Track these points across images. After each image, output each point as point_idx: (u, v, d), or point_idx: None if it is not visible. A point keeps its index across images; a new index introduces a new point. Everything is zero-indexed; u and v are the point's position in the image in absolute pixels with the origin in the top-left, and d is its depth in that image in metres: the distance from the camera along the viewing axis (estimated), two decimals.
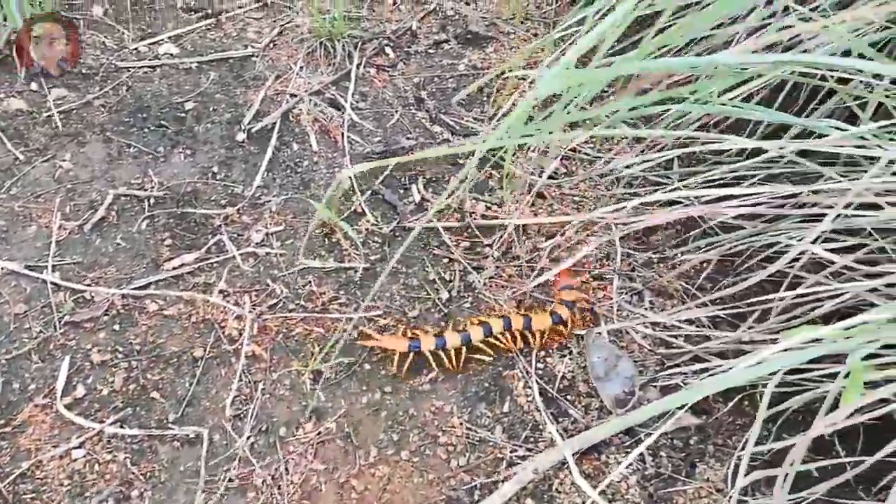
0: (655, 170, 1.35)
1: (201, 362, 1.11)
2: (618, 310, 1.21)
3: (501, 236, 1.30)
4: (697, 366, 1.12)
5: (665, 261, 1.26)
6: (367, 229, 1.30)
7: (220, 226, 1.28)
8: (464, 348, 1.10)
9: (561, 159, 1.45)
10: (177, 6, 1.73)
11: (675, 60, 0.59)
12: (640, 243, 1.30)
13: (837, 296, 0.93)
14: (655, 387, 1.11)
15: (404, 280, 1.23)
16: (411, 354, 1.09)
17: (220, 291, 1.18)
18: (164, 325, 1.15)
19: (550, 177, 1.41)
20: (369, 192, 1.36)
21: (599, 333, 1.16)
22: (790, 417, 1.03)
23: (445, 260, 1.27)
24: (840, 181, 0.92)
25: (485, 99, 1.56)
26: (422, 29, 1.74)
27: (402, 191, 1.38)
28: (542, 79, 0.60)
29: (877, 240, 0.95)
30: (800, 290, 0.94)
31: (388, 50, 1.66)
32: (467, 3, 1.81)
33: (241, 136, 1.43)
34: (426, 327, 1.15)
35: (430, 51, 1.68)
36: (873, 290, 0.97)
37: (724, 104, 1.09)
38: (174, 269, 1.22)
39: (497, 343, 1.12)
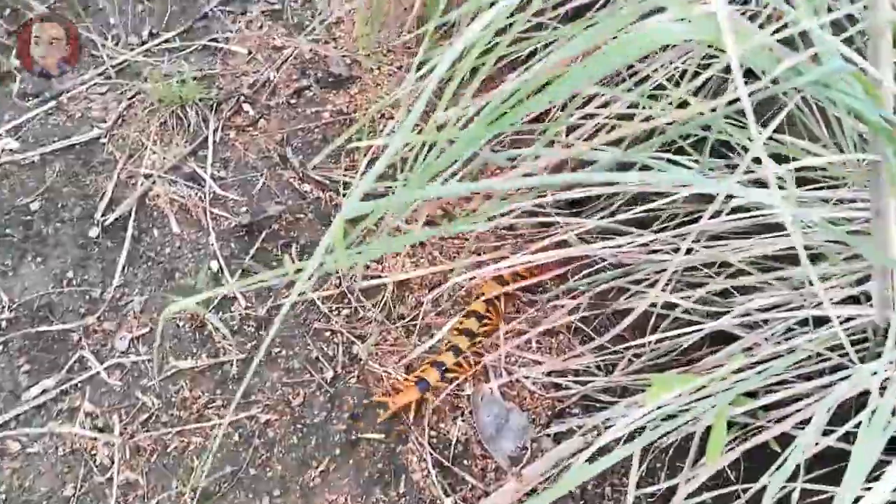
0: (539, 212, 1.33)
1: (73, 501, 1.03)
2: (506, 357, 1.19)
3: (383, 296, 1.26)
4: (589, 403, 1.11)
5: (552, 300, 1.24)
6: (240, 314, 1.24)
7: (79, 339, 1.20)
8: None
9: (439, 199, 1.41)
10: (12, 94, 1.61)
11: (447, 188, 0.55)
12: (526, 278, 1.28)
13: (699, 332, 0.93)
14: (549, 436, 1.09)
15: (285, 364, 1.18)
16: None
17: (87, 414, 1.11)
18: (31, 465, 1.07)
19: (429, 223, 1.37)
20: (240, 271, 1.30)
21: (490, 389, 1.14)
22: (682, 445, 1.04)
23: (327, 333, 1.22)
24: (683, 222, 0.91)
25: (354, 147, 1.51)
26: (280, 78, 1.66)
27: (275, 263, 1.32)
28: (347, 202, 0.56)
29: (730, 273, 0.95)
30: (657, 336, 0.93)
31: (245, 107, 1.59)
32: (326, 43, 1.75)
33: (94, 232, 1.34)
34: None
35: (292, 101, 1.61)
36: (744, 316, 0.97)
37: (570, 144, 1.07)
38: (35, 398, 1.13)
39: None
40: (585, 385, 1.12)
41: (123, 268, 1.30)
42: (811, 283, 0.87)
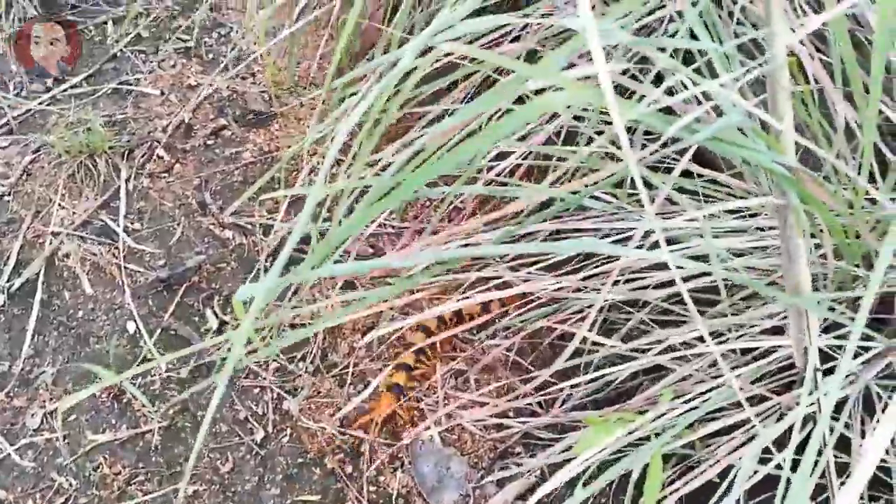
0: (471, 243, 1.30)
1: None
2: (444, 398, 1.15)
3: (313, 345, 1.21)
4: (531, 441, 1.09)
5: (490, 337, 1.22)
6: (161, 378, 1.17)
7: None
8: None
9: (368, 238, 1.38)
10: None
11: (339, 267, 0.52)
12: (459, 319, 1.25)
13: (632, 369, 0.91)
14: (492, 481, 1.06)
15: (212, 428, 1.12)
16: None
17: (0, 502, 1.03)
18: None
19: (358, 258, 1.33)
20: (159, 330, 1.23)
21: (430, 436, 1.10)
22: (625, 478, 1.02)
23: (256, 390, 1.17)
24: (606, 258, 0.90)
25: (277, 186, 1.46)
26: (196, 118, 1.60)
27: (196, 318, 1.25)
28: (240, 291, 0.52)
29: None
30: (589, 375, 0.91)
31: (160, 152, 1.52)
32: (244, 79, 1.69)
33: (0, 299, 1.26)
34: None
35: (209, 142, 1.55)
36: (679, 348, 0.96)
37: (489, 183, 1.05)
38: None
39: None
40: (526, 423, 1.09)
41: (33, 336, 1.21)
42: (735, 314, 0.86)
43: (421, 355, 1.16)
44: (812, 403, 0.65)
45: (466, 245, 1.23)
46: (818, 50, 0.85)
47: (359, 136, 0.76)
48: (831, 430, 0.73)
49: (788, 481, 0.62)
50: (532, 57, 1.06)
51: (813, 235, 0.76)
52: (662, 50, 0.61)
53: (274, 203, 1.43)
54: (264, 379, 1.17)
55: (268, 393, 1.16)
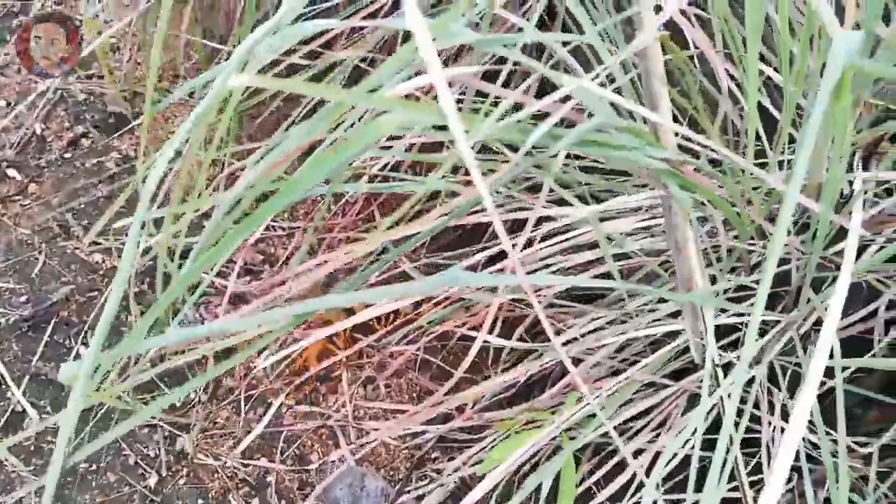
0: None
1: None
2: (355, 411, 1.09)
3: (205, 370, 1.11)
4: (448, 445, 1.04)
5: (399, 341, 1.15)
6: (36, 431, 1.05)
7: None
8: None
9: (257, 242, 1.28)
10: None
11: (165, 338, 0.44)
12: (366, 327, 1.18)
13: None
14: (409, 492, 1.01)
15: (98, 481, 1.01)
16: None
17: None
18: None
19: (249, 271, 1.24)
20: (27, 377, 1.10)
21: (341, 455, 1.03)
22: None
23: (145, 430, 1.06)
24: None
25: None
26: (50, 129, 1.43)
27: (70, 358, 1.13)
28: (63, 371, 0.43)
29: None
30: (499, 378, 0.87)
31: (11, 172, 1.35)
32: (101, 79, 1.52)
33: None
34: None
35: (67, 155, 1.39)
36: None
37: (373, 179, 0.98)
38: None
39: None
40: (442, 426, 1.04)
41: None
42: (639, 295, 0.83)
43: (326, 368, 1.08)
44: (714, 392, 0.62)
45: (352, 241, 1.16)
46: (701, 8, 0.81)
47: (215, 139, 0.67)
48: (740, 413, 0.71)
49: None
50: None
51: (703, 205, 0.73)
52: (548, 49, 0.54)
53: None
54: (153, 417, 1.07)
55: (158, 432, 1.06)
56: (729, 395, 0.70)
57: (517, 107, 0.45)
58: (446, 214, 1.02)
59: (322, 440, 1.06)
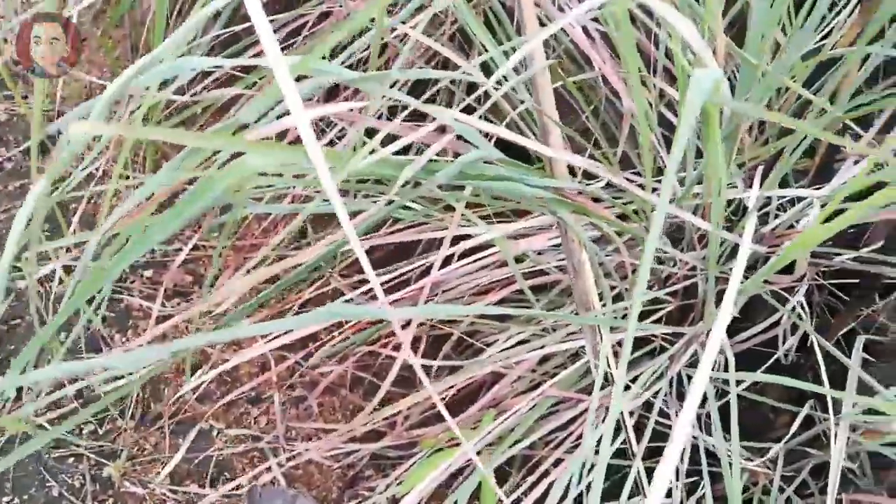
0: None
1: None
2: (286, 432, 1.08)
3: (133, 396, 1.09)
4: (380, 462, 1.04)
5: (329, 357, 1.15)
6: None
7: None
8: None
9: (186, 263, 1.25)
10: None
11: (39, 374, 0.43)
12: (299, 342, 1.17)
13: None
14: None
15: None
16: None
17: None
18: None
19: (178, 293, 1.22)
20: None
21: (274, 477, 1.02)
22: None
23: (70, 459, 1.03)
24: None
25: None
26: None
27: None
28: None
29: None
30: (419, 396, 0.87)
31: None
32: (25, 98, 1.48)
33: None
34: None
35: None
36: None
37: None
38: None
39: None
40: (374, 444, 1.04)
41: None
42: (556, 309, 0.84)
43: (257, 388, 1.07)
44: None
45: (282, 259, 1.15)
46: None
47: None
48: (641, 427, 0.73)
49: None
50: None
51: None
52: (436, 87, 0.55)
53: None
54: (78, 446, 1.04)
55: (84, 462, 1.03)
56: (631, 413, 0.72)
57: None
58: (374, 234, 1.02)
59: (253, 463, 1.05)
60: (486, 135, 0.49)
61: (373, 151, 0.42)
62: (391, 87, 0.87)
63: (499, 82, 0.56)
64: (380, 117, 0.73)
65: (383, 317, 0.42)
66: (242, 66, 0.43)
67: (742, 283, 0.63)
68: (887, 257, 0.66)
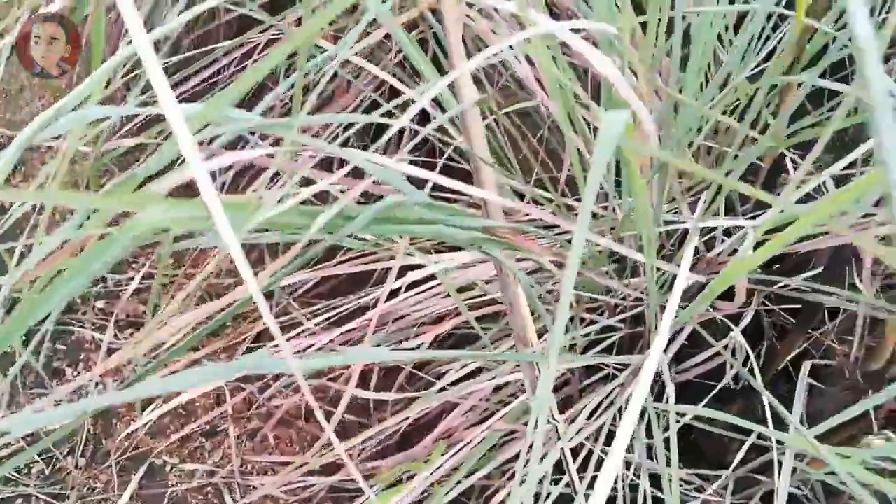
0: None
1: None
2: (241, 466, 1.05)
3: (83, 433, 1.06)
4: (339, 494, 1.02)
5: (288, 385, 1.13)
6: None
7: None
8: None
9: (138, 292, 1.23)
10: None
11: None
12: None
13: None
14: None
15: None
16: None
17: None
18: None
19: (131, 324, 1.19)
20: None
21: None
22: None
23: (19, 501, 1.00)
24: None
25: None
26: None
27: None
28: None
29: None
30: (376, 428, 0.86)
31: None
32: None
33: None
34: None
35: None
36: None
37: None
38: None
39: None
40: (331, 477, 1.02)
41: None
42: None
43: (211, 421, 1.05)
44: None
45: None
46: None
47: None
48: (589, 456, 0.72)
49: None
50: None
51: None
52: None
53: None
54: (27, 486, 1.01)
55: (33, 502, 1.00)
56: (580, 445, 0.71)
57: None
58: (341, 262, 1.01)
59: (208, 499, 1.02)
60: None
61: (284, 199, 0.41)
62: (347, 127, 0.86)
63: (428, 119, 0.55)
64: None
65: (288, 371, 0.40)
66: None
67: (678, 314, 0.63)
68: (822, 286, 0.66)
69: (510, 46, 0.76)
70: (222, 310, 0.71)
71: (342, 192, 0.47)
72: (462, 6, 0.47)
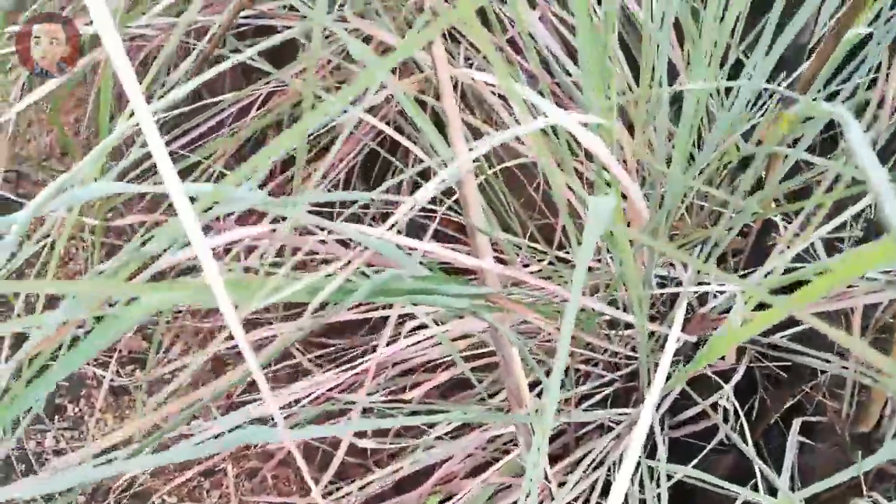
0: None
1: None
2: None
3: None
4: None
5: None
6: None
7: None
8: None
9: (141, 329, 1.24)
10: None
11: None
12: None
13: None
14: None
15: None
16: None
17: None
18: None
19: (133, 360, 1.20)
20: None
21: None
22: None
23: None
24: None
25: None
26: None
27: None
28: None
29: None
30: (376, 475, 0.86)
31: None
32: None
33: None
34: None
35: None
36: None
37: None
38: None
39: None
40: None
41: None
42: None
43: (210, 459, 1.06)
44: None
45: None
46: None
47: None
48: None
49: None
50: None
51: None
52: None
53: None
54: None
55: None
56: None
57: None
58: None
59: None
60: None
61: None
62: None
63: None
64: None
65: (283, 441, 0.42)
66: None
67: (669, 375, 0.64)
68: (809, 348, 0.67)
69: (501, 97, 0.78)
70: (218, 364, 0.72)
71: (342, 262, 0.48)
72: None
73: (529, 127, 0.38)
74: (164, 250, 0.43)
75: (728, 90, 0.65)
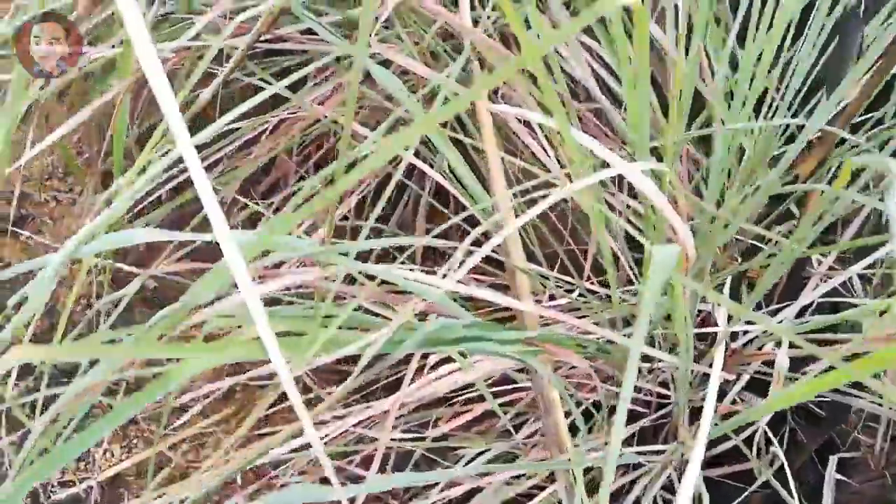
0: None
1: None
2: None
3: (86, 502, 1.04)
4: None
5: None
6: None
7: None
8: None
9: None
10: None
11: None
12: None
13: None
14: None
15: None
16: None
17: None
18: None
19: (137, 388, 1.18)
20: None
21: None
22: None
23: None
24: None
25: None
26: None
27: None
28: None
29: None
30: None
31: None
32: None
33: None
34: None
35: None
36: None
37: None
38: None
39: None
40: None
41: None
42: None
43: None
44: None
45: None
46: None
47: None
48: None
49: None
50: None
51: None
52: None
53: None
54: None
55: None
56: None
57: None
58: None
59: None
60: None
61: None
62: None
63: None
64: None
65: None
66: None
67: (714, 424, 0.63)
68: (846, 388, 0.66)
69: (534, 135, 0.77)
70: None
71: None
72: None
73: (593, 178, 0.37)
74: (210, 302, 0.41)
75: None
